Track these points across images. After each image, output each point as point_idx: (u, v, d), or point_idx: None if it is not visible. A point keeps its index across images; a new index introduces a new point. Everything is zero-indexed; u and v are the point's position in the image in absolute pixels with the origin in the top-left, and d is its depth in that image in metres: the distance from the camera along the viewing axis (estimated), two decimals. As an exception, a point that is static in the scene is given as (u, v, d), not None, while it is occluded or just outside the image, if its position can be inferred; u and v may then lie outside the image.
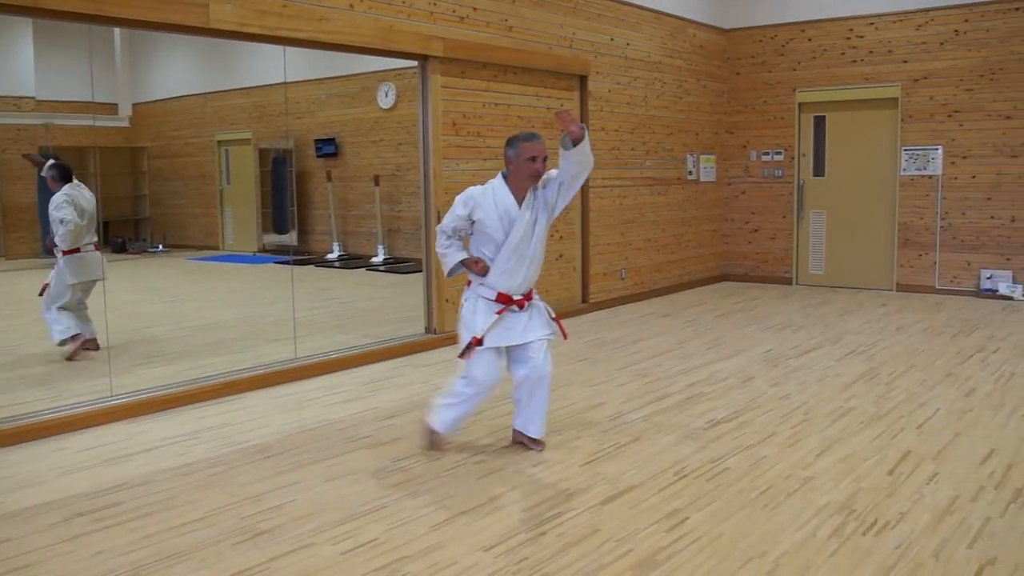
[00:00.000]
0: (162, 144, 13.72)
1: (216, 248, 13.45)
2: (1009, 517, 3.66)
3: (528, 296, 4.51)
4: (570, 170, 4.30)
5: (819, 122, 10.73)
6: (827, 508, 3.78)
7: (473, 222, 4.43)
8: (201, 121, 13.78)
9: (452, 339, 7.38)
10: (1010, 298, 9.51)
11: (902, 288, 10.28)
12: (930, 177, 9.99)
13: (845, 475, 4.19)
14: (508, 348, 4.49)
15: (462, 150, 7.53)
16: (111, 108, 12.43)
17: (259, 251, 13.02)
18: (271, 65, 8.43)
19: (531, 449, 4.61)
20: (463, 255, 4.47)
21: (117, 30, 9.36)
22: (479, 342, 4.36)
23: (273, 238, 13.20)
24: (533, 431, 4.61)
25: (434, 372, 6.45)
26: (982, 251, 9.78)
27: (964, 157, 9.78)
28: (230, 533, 3.58)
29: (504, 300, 4.42)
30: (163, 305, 9.52)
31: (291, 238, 13.05)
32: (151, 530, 3.63)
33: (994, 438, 4.75)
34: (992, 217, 9.69)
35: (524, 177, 4.35)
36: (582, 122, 4.14)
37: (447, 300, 7.46)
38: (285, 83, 8.14)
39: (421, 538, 3.51)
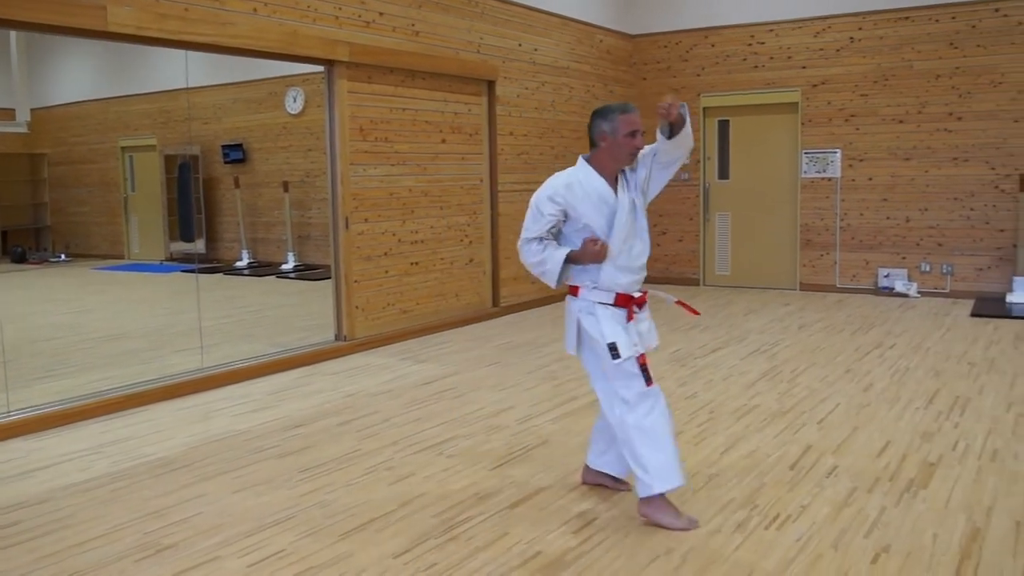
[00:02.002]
0: (63, 150, 13.36)
1: (121, 257, 13.14)
2: (903, 506, 3.80)
3: (645, 293, 3.86)
4: (670, 152, 3.74)
5: (723, 126, 10.96)
6: (731, 504, 3.86)
7: (564, 221, 3.74)
8: (104, 127, 13.45)
9: (362, 345, 7.37)
10: (906, 295, 9.84)
11: (805, 287, 10.55)
12: (830, 179, 10.29)
13: (749, 471, 4.29)
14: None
15: (370, 155, 7.50)
16: (8, 113, 12.06)
17: (166, 260, 12.76)
18: (175, 69, 8.28)
19: (619, 490, 4.05)
20: (566, 249, 3.70)
21: (13, 32, 9.10)
22: (616, 353, 3.62)
23: (180, 246, 12.94)
24: (623, 470, 3.97)
25: (343, 379, 6.41)
26: (879, 250, 10.10)
27: (861, 160, 10.10)
28: (133, 549, 3.51)
29: (624, 302, 3.73)
30: (65, 316, 9.28)
31: (199, 246, 12.83)
32: (51, 549, 3.54)
33: (890, 431, 4.91)
34: (888, 218, 10.01)
35: (622, 156, 3.69)
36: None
37: (357, 307, 7.42)
38: (187, 88, 8.01)
39: (329, 547, 3.49)
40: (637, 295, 3.76)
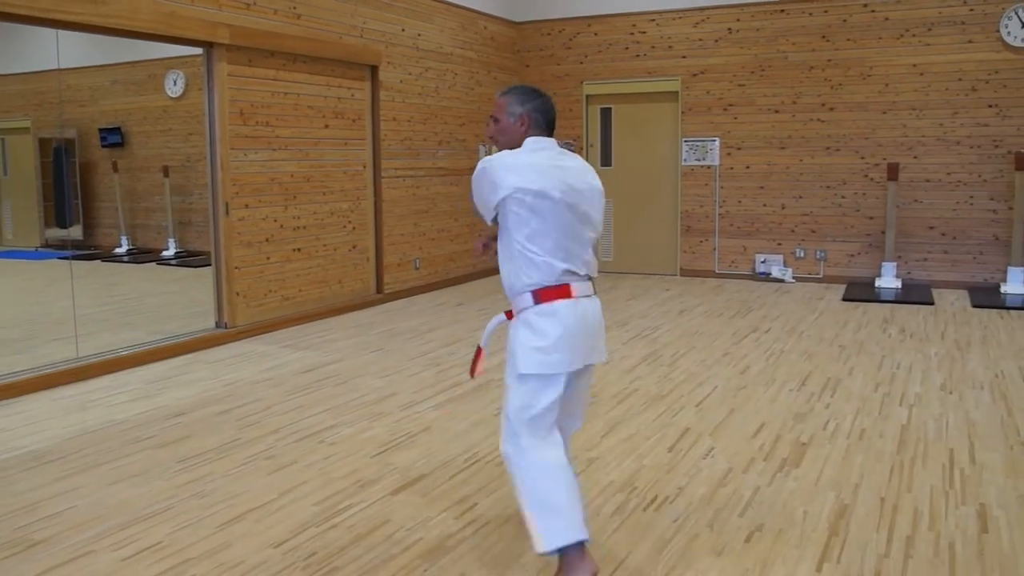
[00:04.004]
0: (-75, 133, 12.74)
1: (-8, 244, 12.62)
2: (775, 486, 3.93)
3: (509, 313, 3.15)
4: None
5: (606, 114, 11.10)
6: (611, 487, 3.94)
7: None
8: (-29, 108, 12.88)
9: (243, 333, 7.26)
10: (781, 280, 10.17)
11: (685, 273, 10.80)
12: (709, 167, 10.54)
13: (628, 454, 4.38)
14: None
15: (251, 140, 7.38)
16: None
17: (41, 246, 12.31)
18: (48, 50, 7.98)
19: None
20: None
21: None
22: None
23: (56, 232, 12.50)
24: None
25: (223, 368, 6.30)
26: (756, 237, 10.40)
27: (739, 148, 10.37)
28: (1, 546, 3.40)
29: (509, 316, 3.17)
30: (-72, 305, 8.83)
31: (75, 232, 12.41)
32: (-89, 548, 3.40)
33: (764, 412, 5.08)
34: (765, 205, 10.32)
35: None
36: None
37: (238, 294, 7.30)
38: (59, 69, 7.74)
39: (207, 539, 3.44)
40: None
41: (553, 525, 2.90)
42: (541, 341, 2.94)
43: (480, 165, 3.01)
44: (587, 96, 11.11)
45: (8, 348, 6.68)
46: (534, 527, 2.93)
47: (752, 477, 4.05)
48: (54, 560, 3.27)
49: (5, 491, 3.97)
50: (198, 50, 7.16)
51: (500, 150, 3.14)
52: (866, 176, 9.86)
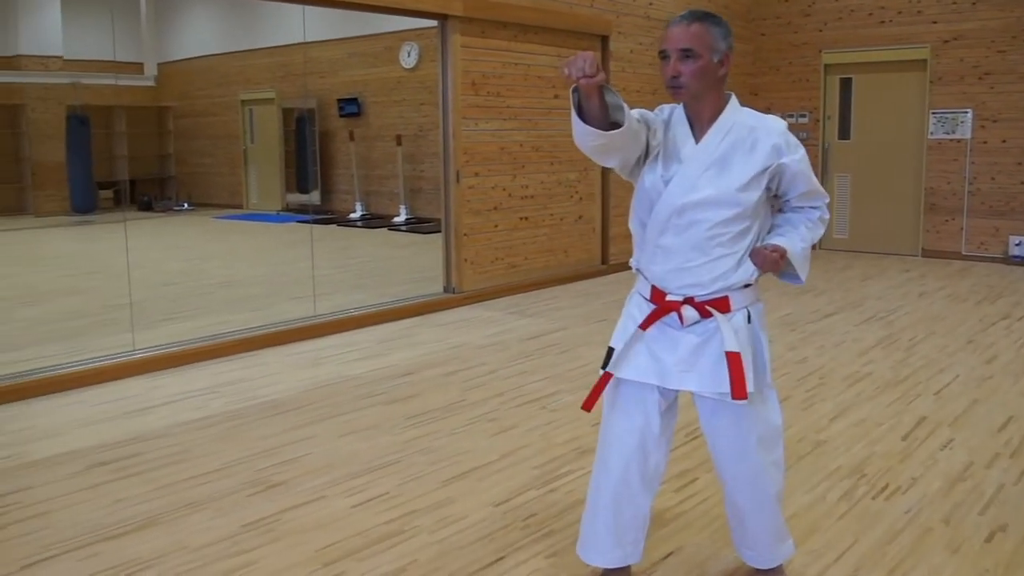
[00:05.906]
0: (187, 103, 13.83)
1: (240, 207, 13.60)
2: (1023, 485, 3.64)
3: (700, 305, 2.53)
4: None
5: (845, 84, 10.59)
6: (838, 472, 3.77)
7: (646, 153, 2.61)
8: (226, 80, 13.88)
9: (470, 298, 7.43)
10: (1037, 265, 9.41)
11: (927, 254, 10.18)
12: (959, 141, 9.86)
13: (858, 439, 4.18)
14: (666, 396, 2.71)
15: (481, 110, 7.50)
16: (137, 67, 12.52)
17: (283, 210, 13.14)
18: (293, 25, 8.43)
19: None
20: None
21: (141, -12, 9.38)
22: (606, 363, 2.73)
23: (297, 197, 13.32)
24: (752, 558, 2.81)
25: (450, 331, 6.47)
26: (1011, 217, 9.65)
27: (995, 121, 9.64)
28: (245, 485, 3.63)
29: (658, 299, 2.60)
30: (187, 262, 9.60)
31: (314, 197, 13.15)
32: (168, 480, 3.69)
33: (1012, 405, 4.71)
34: (1022, 183, 9.55)
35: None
36: None
37: (466, 260, 7.47)
38: (305, 43, 8.16)
39: (431, 493, 3.55)
40: (672, 298, 2.56)
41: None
42: None
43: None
44: (826, 66, 10.64)
45: (253, 304, 7.14)
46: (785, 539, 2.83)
47: (996, 473, 3.76)
48: (291, 501, 3.47)
49: (248, 436, 4.24)
50: (432, 22, 7.33)
51: (681, 100, 2.58)
52: None
